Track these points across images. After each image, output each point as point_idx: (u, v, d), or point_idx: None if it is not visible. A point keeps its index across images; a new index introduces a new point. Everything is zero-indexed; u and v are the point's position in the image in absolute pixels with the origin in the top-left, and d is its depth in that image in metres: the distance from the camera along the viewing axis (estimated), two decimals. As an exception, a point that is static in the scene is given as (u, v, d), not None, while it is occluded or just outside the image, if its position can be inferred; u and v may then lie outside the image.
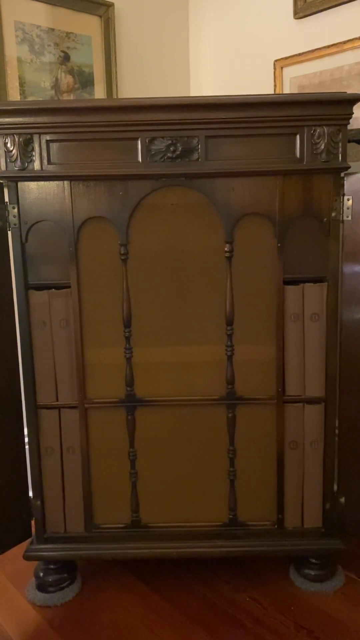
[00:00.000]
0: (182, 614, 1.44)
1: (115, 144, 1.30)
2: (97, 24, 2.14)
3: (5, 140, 1.29)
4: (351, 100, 1.26)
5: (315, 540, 1.48)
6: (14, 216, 1.33)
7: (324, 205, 1.33)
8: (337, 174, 1.32)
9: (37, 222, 1.34)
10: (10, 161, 1.30)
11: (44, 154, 1.30)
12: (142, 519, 1.49)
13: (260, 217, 1.34)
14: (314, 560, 1.52)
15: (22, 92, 1.97)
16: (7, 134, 1.28)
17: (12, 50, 1.93)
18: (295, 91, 2.11)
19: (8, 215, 1.34)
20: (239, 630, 1.39)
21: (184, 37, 2.46)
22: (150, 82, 2.35)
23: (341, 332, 1.40)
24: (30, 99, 1.98)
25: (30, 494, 1.49)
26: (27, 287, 1.37)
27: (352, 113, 1.28)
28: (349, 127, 1.30)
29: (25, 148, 1.29)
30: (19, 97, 1.96)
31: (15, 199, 1.32)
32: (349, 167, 1.31)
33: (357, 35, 1.91)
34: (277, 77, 2.16)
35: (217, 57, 2.39)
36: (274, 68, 2.16)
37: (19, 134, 1.28)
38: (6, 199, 1.33)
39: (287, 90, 2.15)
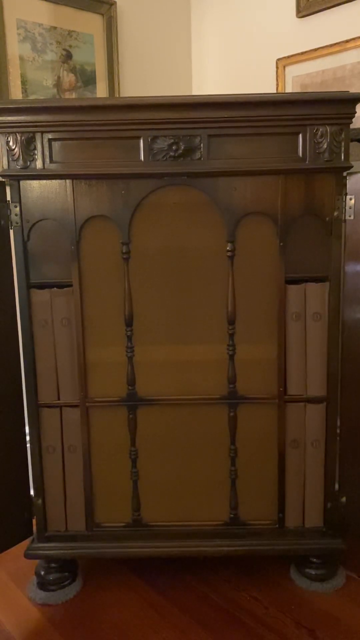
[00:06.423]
0: (182, 612, 1.45)
1: (117, 142, 1.30)
2: (99, 22, 2.13)
3: (7, 138, 1.29)
4: (354, 100, 1.26)
5: (316, 539, 1.48)
6: (16, 215, 1.33)
7: (326, 204, 1.33)
8: (339, 173, 1.32)
9: (39, 221, 1.34)
10: (13, 160, 1.30)
11: (46, 153, 1.30)
12: (143, 517, 1.49)
13: (262, 216, 1.34)
14: (315, 560, 1.52)
15: (24, 91, 1.97)
16: (9, 133, 1.28)
17: (14, 48, 1.93)
18: (298, 90, 2.11)
19: (10, 213, 1.34)
20: (239, 629, 1.39)
21: (186, 36, 2.45)
22: (152, 81, 2.34)
23: (343, 331, 1.40)
24: (32, 97, 1.98)
25: (32, 492, 1.49)
26: (29, 285, 1.37)
27: (355, 112, 1.27)
28: (352, 126, 1.30)
29: (28, 147, 1.29)
30: (21, 96, 1.96)
31: (18, 197, 1.32)
32: (352, 167, 1.31)
33: (359, 34, 1.91)
34: (279, 76, 2.16)
35: (219, 55, 2.39)
36: (277, 67, 2.16)
37: (21, 133, 1.28)
38: (8, 197, 1.33)
39: (289, 89, 2.14)
